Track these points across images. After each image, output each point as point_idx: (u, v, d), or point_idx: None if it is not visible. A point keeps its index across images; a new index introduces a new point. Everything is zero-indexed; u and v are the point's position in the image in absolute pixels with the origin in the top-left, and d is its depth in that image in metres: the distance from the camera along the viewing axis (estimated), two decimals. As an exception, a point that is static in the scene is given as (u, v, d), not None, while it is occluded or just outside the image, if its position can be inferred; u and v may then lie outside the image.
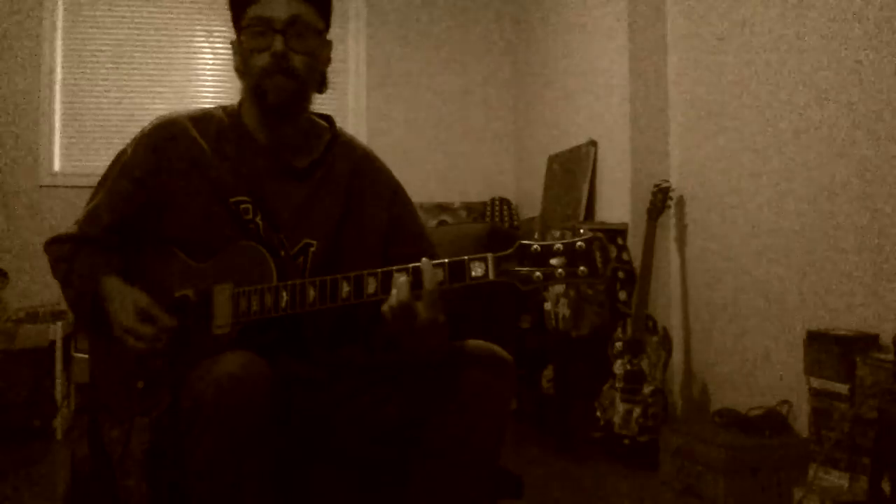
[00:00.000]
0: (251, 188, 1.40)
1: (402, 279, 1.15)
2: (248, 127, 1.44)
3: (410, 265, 1.16)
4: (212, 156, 1.41)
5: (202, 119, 1.45)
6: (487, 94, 4.98)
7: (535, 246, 1.09)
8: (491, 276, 1.10)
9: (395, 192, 1.51)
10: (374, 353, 1.41)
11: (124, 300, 1.32)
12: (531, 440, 3.36)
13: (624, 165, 3.57)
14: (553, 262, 1.08)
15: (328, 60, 1.45)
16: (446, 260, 1.14)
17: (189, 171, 1.40)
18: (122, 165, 1.44)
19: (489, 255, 1.11)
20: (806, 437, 2.44)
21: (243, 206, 1.38)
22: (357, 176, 1.48)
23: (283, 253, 1.37)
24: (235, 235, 1.37)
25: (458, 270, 1.13)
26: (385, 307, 1.17)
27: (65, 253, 1.42)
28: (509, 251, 1.10)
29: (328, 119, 1.53)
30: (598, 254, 1.07)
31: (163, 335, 1.30)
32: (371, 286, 1.19)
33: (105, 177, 1.47)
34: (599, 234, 1.09)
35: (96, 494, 1.48)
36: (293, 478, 1.31)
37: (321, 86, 1.44)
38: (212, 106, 1.49)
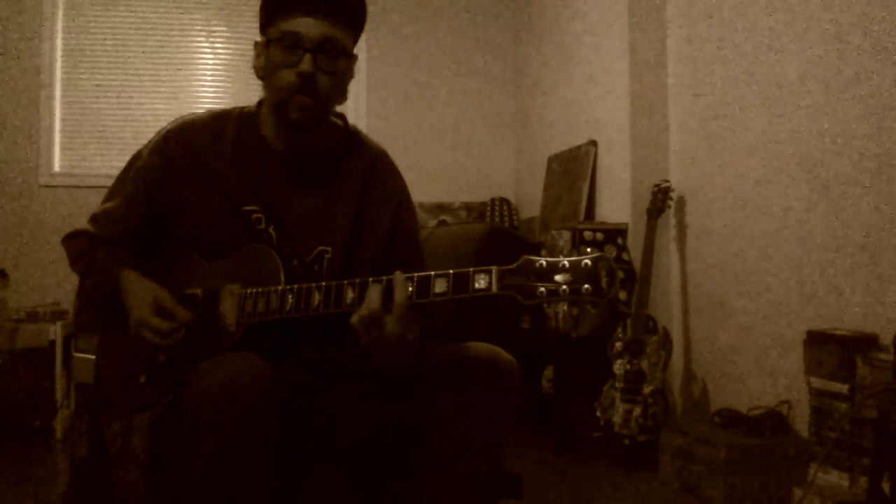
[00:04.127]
0: (263, 198, 1.40)
1: (374, 290, 1.16)
2: (265, 134, 1.43)
3: (414, 275, 1.16)
4: (225, 163, 1.41)
5: (219, 123, 1.45)
6: (488, 93, 4.98)
7: (540, 261, 1.08)
8: (494, 288, 1.10)
9: (402, 198, 1.50)
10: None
11: (144, 294, 1.32)
12: (531, 440, 3.36)
13: (624, 165, 3.57)
14: (558, 278, 1.07)
15: (352, 76, 1.43)
16: (451, 271, 1.13)
17: (202, 178, 1.40)
18: (137, 170, 1.45)
19: (493, 268, 1.10)
20: (806, 437, 2.44)
21: (255, 215, 1.39)
22: (370, 177, 1.47)
23: (295, 262, 1.38)
24: (248, 241, 1.38)
25: (461, 282, 1.12)
26: (355, 318, 1.17)
27: (83, 247, 1.44)
28: (514, 265, 1.09)
29: (342, 117, 1.52)
30: (603, 273, 1.06)
31: (179, 330, 1.29)
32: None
33: (121, 179, 1.48)
34: (607, 255, 1.09)
35: (96, 493, 1.48)
36: (294, 480, 1.31)
37: (341, 97, 1.42)
38: (229, 107, 1.49)
